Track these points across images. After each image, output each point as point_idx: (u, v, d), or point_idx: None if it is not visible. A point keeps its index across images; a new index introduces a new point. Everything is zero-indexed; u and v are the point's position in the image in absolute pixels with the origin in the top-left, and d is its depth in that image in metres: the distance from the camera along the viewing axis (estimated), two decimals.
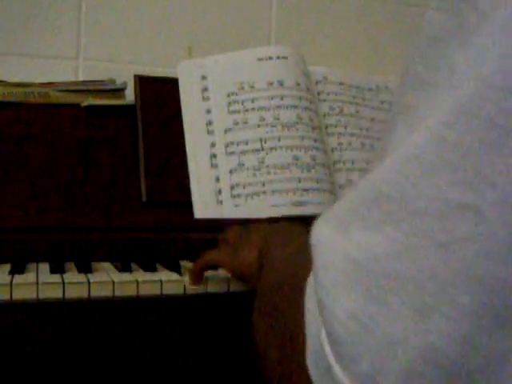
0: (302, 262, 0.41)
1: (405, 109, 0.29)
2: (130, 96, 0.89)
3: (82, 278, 0.61)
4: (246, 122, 0.84)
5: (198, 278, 0.64)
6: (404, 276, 0.26)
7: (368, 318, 0.27)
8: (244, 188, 0.81)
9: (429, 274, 0.25)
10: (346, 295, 0.28)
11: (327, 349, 0.29)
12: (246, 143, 0.83)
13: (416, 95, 0.28)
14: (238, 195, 0.81)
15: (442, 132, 0.26)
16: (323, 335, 0.29)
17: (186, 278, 0.64)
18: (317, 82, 0.92)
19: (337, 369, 0.28)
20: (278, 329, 0.38)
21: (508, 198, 0.24)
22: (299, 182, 0.82)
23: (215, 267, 0.67)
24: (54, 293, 0.58)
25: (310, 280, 0.33)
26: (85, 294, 0.59)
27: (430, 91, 0.27)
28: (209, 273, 0.66)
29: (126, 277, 0.63)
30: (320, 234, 0.31)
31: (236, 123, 0.84)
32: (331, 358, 0.29)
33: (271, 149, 0.83)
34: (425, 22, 0.29)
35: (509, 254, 0.24)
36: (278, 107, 0.85)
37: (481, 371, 0.25)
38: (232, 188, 0.81)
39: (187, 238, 0.79)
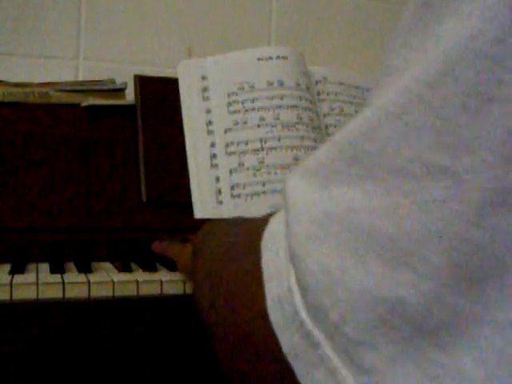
0: (248, 224, 0.42)
1: (388, 71, 0.29)
2: (130, 96, 0.89)
3: (82, 277, 0.61)
4: (245, 122, 0.84)
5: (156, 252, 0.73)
6: (380, 231, 0.27)
7: (340, 271, 0.27)
8: (244, 188, 0.81)
9: (404, 231, 0.26)
10: (320, 248, 0.28)
11: (297, 296, 0.29)
12: (246, 143, 0.83)
13: (401, 58, 0.28)
14: (238, 195, 0.81)
15: (423, 93, 0.26)
16: (293, 283, 0.30)
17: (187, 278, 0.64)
18: (317, 82, 0.92)
19: (305, 316, 0.29)
20: (226, 283, 0.38)
21: (484, 163, 0.25)
22: None
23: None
24: (54, 293, 0.58)
25: (268, 230, 0.34)
26: (85, 294, 0.59)
27: (414, 55, 0.28)
28: None
29: (125, 277, 0.63)
30: (294, 188, 0.32)
31: (236, 123, 0.84)
32: (300, 306, 0.29)
33: (271, 149, 0.83)
34: None
35: (481, 218, 0.25)
36: (278, 107, 0.85)
37: (446, 328, 0.26)
38: (232, 188, 0.81)
39: (187, 238, 0.79)
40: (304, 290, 0.29)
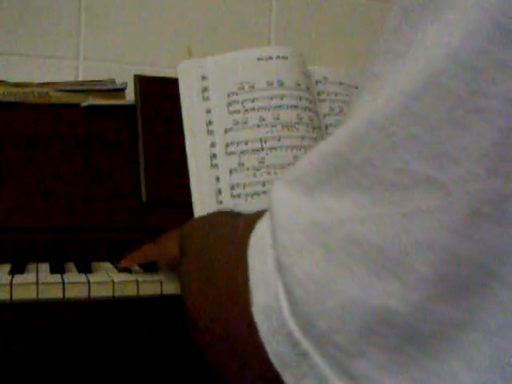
0: (233, 229, 0.41)
1: (372, 78, 0.29)
2: (130, 96, 0.89)
3: (82, 277, 0.61)
4: (245, 122, 0.84)
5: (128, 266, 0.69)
6: (367, 241, 0.27)
7: (328, 280, 0.28)
8: (244, 188, 0.81)
9: (391, 242, 0.26)
10: (308, 257, 0.28)
11: (284, 305, 0.29)
12: (246, 143, 0.83)
13: (384, 65, 0.28)
14: (238, 195, 0.81)
15: (408, 103, 0.26)
16: (280, 292, 0.30)
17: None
18: (317, 82, 0.92)
19: (292, 326, 0.29)
20: (212, 289, 0.38)
21: (470, 174, 0.25)
22: None
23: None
24: (54, 293, 0.58)
25: (255, 236, 0.33)
26: (85, 294, 0.59)
27: (398, 62, 0.27)
28: None
29: (126, 277, 0.63)
30: (281, 197, 0.32)
31: (236, 123, 0.84)
32: (287, 315, 0.29)
33: (271, 149, 0.83)
34: None
35: (468, 228, 0.25)
36: (278, 107, 0.85)
37: (435, 337, 0.26)
38: (232, 188, 0.81)
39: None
40: (291, 299, 0.29)
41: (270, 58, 0.88)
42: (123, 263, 0.68)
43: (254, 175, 0.82)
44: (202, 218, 0.56)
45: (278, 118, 0.84)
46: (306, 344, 0.28)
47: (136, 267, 0.71)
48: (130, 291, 0.61)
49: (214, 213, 0.58)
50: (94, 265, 0.70)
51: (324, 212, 0.29)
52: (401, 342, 0.26)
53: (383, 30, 0.30)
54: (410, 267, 0.26)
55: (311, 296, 0.28)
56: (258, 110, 0.84)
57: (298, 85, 0.87)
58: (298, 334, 0.29)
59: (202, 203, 0.80)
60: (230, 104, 0.85)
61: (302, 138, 0.84)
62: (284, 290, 0.30)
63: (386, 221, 0.26)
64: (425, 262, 0.26)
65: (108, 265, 0.72)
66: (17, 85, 0.84)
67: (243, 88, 0.86)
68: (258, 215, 0.35)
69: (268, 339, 0.30)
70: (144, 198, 0.79)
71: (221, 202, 0.81)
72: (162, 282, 0.63)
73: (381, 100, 0.27)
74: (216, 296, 0.37)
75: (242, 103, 0.85)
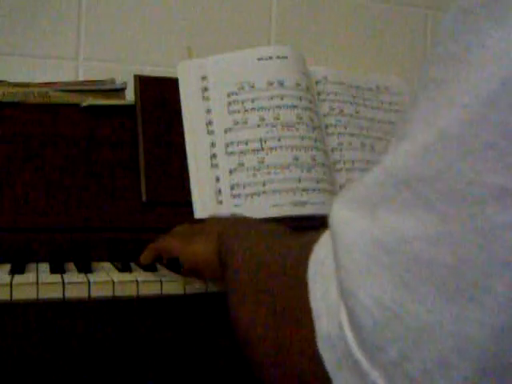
0: (284, 245, 0.39)
1: (431, 84, 0.27)
2: (130, 96, 0.89)
3: (82, 277, 0.61)
4: (245, 122, 0.84)
5: (149, 261, 0.67)
6: (438, 262, 0.25)
7: (397, 305, 0.26)
8: (244, 188, 0.81)
9: (465, 261, 0.24)
10: (373, 281, 0.27)
11: (349, 333, 0.28)
12: (246, 143, 0.83)
13: (443, 70, 0.27)
14: (238, 195, 0.81)
15: (482, 111, 0.24)
16: (344, 319, 0.28)
17: (187, 278, 0.64)
18: (317, 82, 0.92)
19: (359, 355, 0.27)
20: (270, 314, 0.36)
21: None
22: (299, 182, 0.82)
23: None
24: (54, 293, 0.58)
25: (314, 261, 0.32)
26: (85, 294, 0.59)
27: (460, 67, 0.26)
28: None
29: (126, 277, 0.63)
30: (341, 216, 0.30)
31: (236, 123, 0.84)
32: (353, 344, 0.27)
33: (271, 149, 0.83)
34: None
35: None
36: (278, 107, 0.85)
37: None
38: (232, 188, 0.81)
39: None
40: (357, 326, 0.27)
41: (270, 57, 0.88)
42: (142, 259, 0.66)
43: (254, 175, 0.82)
44: (240, 225, 0.53)
45: (278, 118, 0.84)
46: (374, 374, 0.27)
47: (135, 266, 0.71)
48: (130, 291, 0.61)
49: (245, 219, 0.55)
50: (94, 265, 0.70)
51: (387, 232, 0.27)
52: (475, 372, 0.24)
53: (438, 32, 0.28)
54: (488, 289, 0.24)
55: (379, 322, 0.26)
56: (258, 110, 0.84)
57: (298, 85, 0.87)
58: (365, 363, 0.27)
59: (202, 203, 0.80)
60: (230, 104, 0.85)
61: (302, 138, 0.84)
62: (348, 318, 0.28)
63: (456, 239, 0.24)
64: (504, 281, 0.23)
65: (108, 265, 0.72)
66: (17, 85, 0.84)
67: (243, 88, 0.86)
68: (312, 239, 0.33)
69: (334, 371, 0.28)
70: (144, 198, 0.79)
71: (221, 202, 0.81)
72: (162, 282, 0.63)
73: (452, 108, 0.25)
74: (276, 323, 0.35)
75: (242, 103, 0.85)
